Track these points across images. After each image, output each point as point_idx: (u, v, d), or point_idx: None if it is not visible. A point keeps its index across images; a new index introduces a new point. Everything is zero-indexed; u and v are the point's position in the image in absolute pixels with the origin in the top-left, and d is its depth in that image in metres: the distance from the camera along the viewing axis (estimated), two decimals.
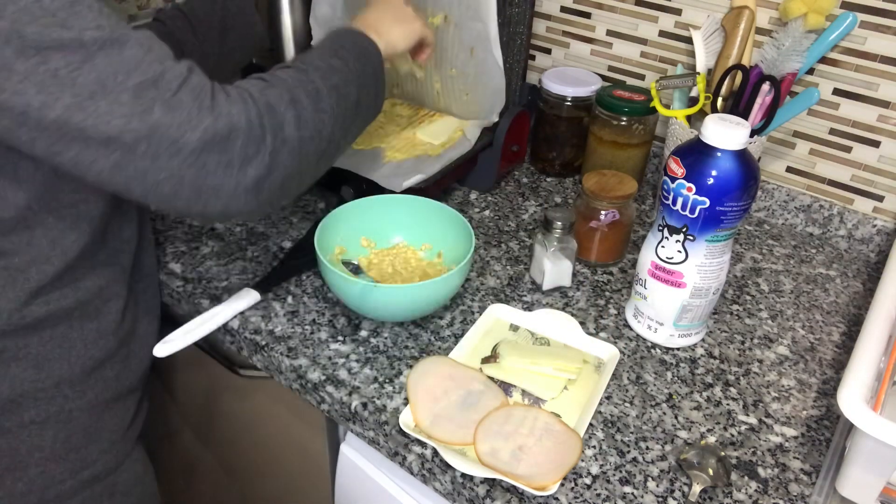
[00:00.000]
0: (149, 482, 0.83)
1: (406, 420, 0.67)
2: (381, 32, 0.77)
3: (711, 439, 0.68)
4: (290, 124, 0.61)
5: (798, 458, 0.67)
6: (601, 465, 0.65)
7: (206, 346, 0.89)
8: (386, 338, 0.77)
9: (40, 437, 0.69)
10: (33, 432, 0.68)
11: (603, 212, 0.86)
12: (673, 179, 0.69)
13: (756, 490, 0.63)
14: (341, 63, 0.69)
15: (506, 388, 0.71)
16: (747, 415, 0.71)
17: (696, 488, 0.62)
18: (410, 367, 0.73)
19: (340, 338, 0.77)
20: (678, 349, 0.78)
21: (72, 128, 0.52)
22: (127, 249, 0.73)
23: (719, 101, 0.92)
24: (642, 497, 0.62)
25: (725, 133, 0.66)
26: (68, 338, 0.68)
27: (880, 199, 0.96)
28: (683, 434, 0.68)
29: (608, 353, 0.75)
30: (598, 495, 0.62)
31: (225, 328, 0.78)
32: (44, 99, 0.51)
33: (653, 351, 0.78)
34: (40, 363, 0.67)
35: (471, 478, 0.63)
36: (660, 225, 0.73)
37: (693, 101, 0.98)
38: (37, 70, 0.50)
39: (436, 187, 0.94)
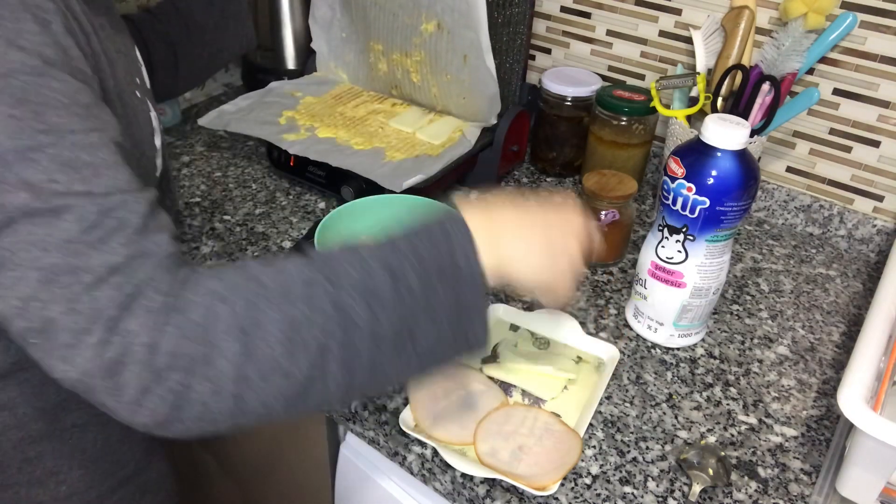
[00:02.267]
0: (172, 480, 0.83)
1: (406, 420, 0.67)
2: (502, 245, 0.52)
3: (711, 439, 0.68)
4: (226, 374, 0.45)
5: (798, 458, 0.67)
6: (601, 465, 0.65)
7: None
8: None
9: (82, 439, 0.69)
10: (75, 435, 0.68)
11: (603, 212, 0.86)
12: (673, 179, 0.69)
13: (756, 490, 0.63)
14: (406, 294, 0.48)
15: (506, 388, 0.71)
16: (747, 415, 0.71)
17: (696, 488, 0.62)
18: None
19: None
20: (678, 349, 0.78)
21: None
22: None
23: (719, 101, 0.92)
24: (642, 497, 0.62)
25: (725, 133, 0.66)
26: None
27: (880, 199, 0.96)
28: (683, 434, 0.68)
29: (608, 353, 0.75)
30: (598, 495, 0.62)
31: None
32: None
33: (653, 351, 0.78)
34: None
35: (471, 478, 0.63)
36: (660, 225, 0.73)
37: (693, 101, 0.98)
38: None
39: (436, 187, 0.94)
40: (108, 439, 0.71)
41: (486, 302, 0.50)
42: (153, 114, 0.66)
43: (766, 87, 0.89)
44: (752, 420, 0.70)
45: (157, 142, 0.67)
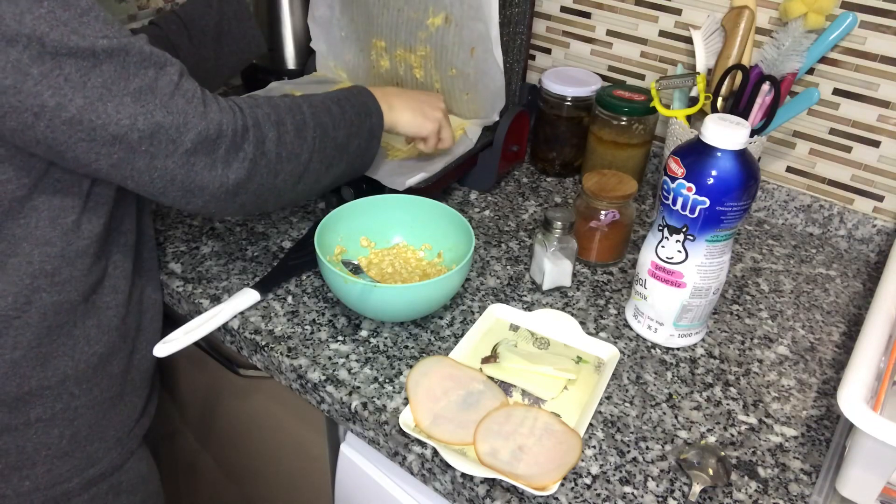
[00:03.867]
0: (153, 481, 0.83)
1: (406, 420, 0.67)
2: (393, 108, 0.83)
3: (711, 439, 0.68)
4: (272, 141, 0.67)
5: (798, 458, 0.67)
6: (601, 465, 0.65)
7: (206, 346, 0.89)
8: (386, 338, 0.77)
9: (47, 434, 0.69)
10: (40, 430, 0.68)
11: (603, 212, 0.86)
12: (673, 179, 0.69)
13: (756, 490, 0.63)
14: (339, 110, 0.75)
15: (506, 388, 0.71)
16: (747, 415, 0.71)
17: (696, 488, 0.62)
18: (410, 367, 0.73)
19: (340, 338, 0.77)
20: (678, 349, 0.78)
21: (83, 127, 0.56)
22: (126, 241, 0.73)
23: (719, 101, 0.92)
24: (642, 497, 0.62)
25: (725, 133, 0.66)
26: (72, 335, 0.68)
27: (880, 199, 0.96)
28: (683, 434, 0.68)
29: (608, 353, 0.75)
30: (598, 495, 0.62)
31: (225, 328, 0.78)
32: (59, 101, 0.55)
33: (653, 351, 0.78)
34: (46, 361, 0.67)
35: (471, 478, 0.63)
36: (660, 225, 0.73)
37: (693, 101, 0.98)
38: (51, 74, 0.54)
39: (436, 187, 0.94)
40: (75, 435, 0.71)
41: (380, 133, 0.81)
42: None
43: (766, 87, 0.89)
44: (752, 420, 0.70)
45: None
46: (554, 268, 0.83)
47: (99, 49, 0.55)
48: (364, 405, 0.69)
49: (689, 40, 1.01)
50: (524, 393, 0.71)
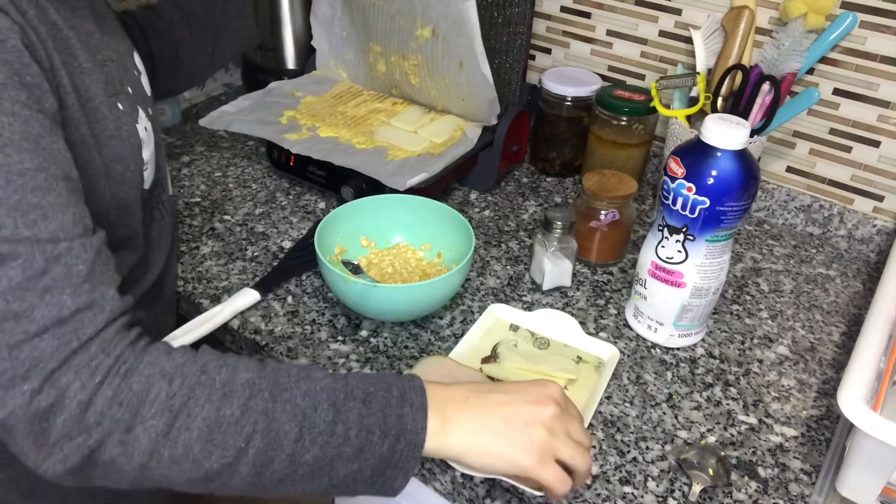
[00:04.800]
0: (165, 492, 0.82)
1: None
2: (452, 422, 0.52)
3: (711, 439, 0.68)
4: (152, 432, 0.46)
5: (798, 458, 0.67)
6: (601, 465, 0.65)
7: (207, 346, 0.89)
8: (386, 338, 0.77)
9: None
10: None
11: (603, 212, 0.86)
12: (673, 179, 0.69)
13: (756, 490, 0.63)
14: (331, 418, 0.49)
15: None
16: (747, 415, 0.71)
17: (696, 488, 0.62)
18: (410, 367, 0.73)
19: (340, 338, 0.77)
20: (678, 349, 0.78)
21: None
22: (147, 276, 0.72)
23: (719, 101, 0.92)
24: (642, 497, 0.62)
25: (725, 133, 0.66)
26: None
27: (880, 199, 0.96)
28: (683, 434, 0.68)
29: (608, 352, 0.75)
30: (598, 495, 0.62)
31: (225, 328, 0.78)
32: None
33: (653, 351, 0.78)
34: None
35: (471, 478, 0.63)
36: (660, 225, 0.73)
37: (693, 101, 0.98)
38: None
39: (436, 187, 0.94)
40: None
41: (415, 465, 0.51)
42: (142, 125, 0.63)
43: (766, 87, 0.89)
44: (752, 420, 0.70)
45: (146, 154, 0.64)
46: (554, 268, 0.83)
47: None
48: None
49: (689, 40, 1.01)
50: None
